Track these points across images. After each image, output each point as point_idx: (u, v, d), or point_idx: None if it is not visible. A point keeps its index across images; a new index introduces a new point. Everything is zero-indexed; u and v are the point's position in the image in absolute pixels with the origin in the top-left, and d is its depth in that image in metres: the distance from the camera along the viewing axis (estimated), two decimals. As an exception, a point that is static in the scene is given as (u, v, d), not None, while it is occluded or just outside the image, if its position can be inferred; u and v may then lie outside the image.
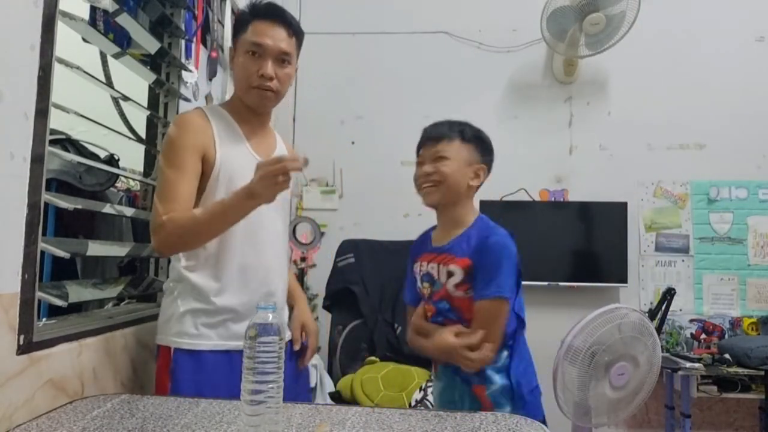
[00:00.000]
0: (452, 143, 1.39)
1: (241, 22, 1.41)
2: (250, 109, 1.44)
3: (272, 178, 1.16)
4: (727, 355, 2.67)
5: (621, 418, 1.94)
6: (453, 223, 1.42)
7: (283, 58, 1.38)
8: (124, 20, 1.61)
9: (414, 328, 1.46)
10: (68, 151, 1.87)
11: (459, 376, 1.36)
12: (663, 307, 2.72)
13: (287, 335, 1.50)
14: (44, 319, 1.34)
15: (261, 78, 1.36)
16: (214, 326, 1.32)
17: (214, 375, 1.30)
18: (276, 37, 1.37)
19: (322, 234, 3.21)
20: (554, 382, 1.81)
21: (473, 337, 1.27)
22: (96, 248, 1.53)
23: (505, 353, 1.35)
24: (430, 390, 2.21)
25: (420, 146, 1.45)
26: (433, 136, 1.41)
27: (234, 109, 1.44)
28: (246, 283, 1.37)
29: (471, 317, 1.33)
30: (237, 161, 1.37)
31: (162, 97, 1.96)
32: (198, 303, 1.33)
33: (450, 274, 1.34)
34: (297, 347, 1.53)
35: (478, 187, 1.43)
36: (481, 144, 1.43)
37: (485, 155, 1.44)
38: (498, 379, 1.34)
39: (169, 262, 1.92)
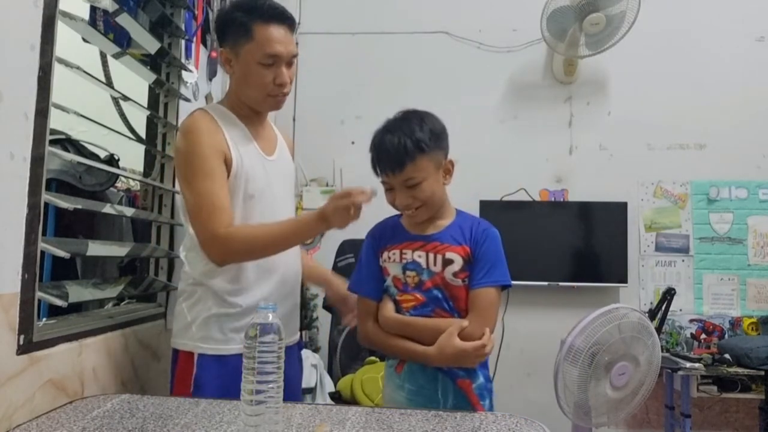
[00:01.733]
0: (416, 163, 1.27)
1: (237, 24, 1.32)
2: (252, 109, 1.43)
3: (344, 211, 1.23)
4: (727, 355, 2.67)
5: (621, 418, 1.94)
6: (437, 214, 1.37)
7: (291, 61, 1.38)
8: (124, 20, 1.61)
9: (390, 324, 1.32)
10: (68, 151, 1.87)
11: (441, 372, 1.29)
12: (663, 307, 2.72)
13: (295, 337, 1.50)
14: (44, 319, 1.34)
15: (279, 87, 1.36)
16: (241, 329, 1.26)
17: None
18: (285, 41, 1.35)
19: (322, 234, 3.20)
20: (555, 382, 1.82)
21: (485, 335, 1.23)
22: (96, 248, 1.53)
23: None
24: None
25: (379, 169, 1.35)
26: (395, 163, 1.29)
27: (236, 108, 1.42)
28: (267, 279, 1.38)
29: (466, 305, 1.29)
30: (249, 163, 1.37)
31: (162, 97, 1.96)
32: (223, 308, 1.32)
33: (448, 262, 1.30)
34: (353, 324, 1.46)
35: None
36: (438, 140, 1.32)
37: (445, 145, 1.35)
38: (481, 373, 1.31)
39: (171, 264, 1.93)
